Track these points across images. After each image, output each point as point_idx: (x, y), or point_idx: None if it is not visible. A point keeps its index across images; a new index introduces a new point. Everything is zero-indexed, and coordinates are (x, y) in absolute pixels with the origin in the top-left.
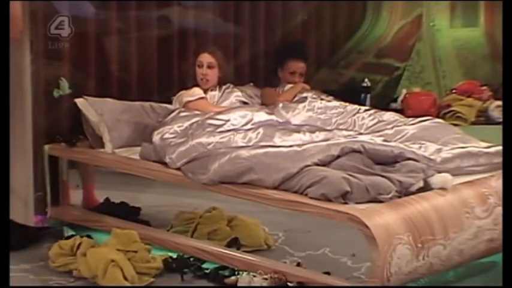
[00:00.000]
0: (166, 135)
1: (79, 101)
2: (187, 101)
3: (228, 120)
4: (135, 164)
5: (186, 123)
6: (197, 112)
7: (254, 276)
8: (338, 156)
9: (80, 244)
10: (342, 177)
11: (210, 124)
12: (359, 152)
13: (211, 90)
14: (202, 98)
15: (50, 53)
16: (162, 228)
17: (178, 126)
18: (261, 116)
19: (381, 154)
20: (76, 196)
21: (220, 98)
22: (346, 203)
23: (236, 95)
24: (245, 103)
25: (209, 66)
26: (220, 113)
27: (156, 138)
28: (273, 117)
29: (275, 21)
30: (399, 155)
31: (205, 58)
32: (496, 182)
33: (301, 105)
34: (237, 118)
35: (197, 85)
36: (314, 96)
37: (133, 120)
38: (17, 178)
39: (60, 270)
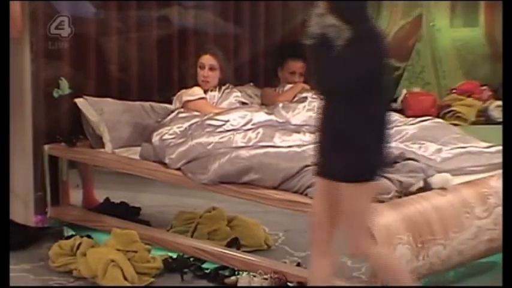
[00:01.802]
0: (166, 136)
1: (79, 101)
2: (187, 100)
3: (228, 121)
4: (135, 164)
5: (185, 124)
6: (196, 113)
7: (254, 276)
8: None
9: (80, 244)
10: None
11: (210, 125)
12: None
13: (211, 90)
14: (202, 98)
15: (50, 53)
16: (162, 228)
17: (178, 127)
18: (261, 116)
19: None
20: (76, 196)
21: (219, 98)
22: None
23: (235, 95)
24: (244, 103)
25: (211, 68)
26: (219, 113)
27: (155, 139)
28: (272, 117)
29: (275, 21)
30: (399, 156)
31: (207, 60)
32: (496, 182)
33: (301, 105)
34: (236, 118)
35: (198, 84)
36: (314, 96)
37: (134, 120)
38: (17, 178)
39: (60, 270)
